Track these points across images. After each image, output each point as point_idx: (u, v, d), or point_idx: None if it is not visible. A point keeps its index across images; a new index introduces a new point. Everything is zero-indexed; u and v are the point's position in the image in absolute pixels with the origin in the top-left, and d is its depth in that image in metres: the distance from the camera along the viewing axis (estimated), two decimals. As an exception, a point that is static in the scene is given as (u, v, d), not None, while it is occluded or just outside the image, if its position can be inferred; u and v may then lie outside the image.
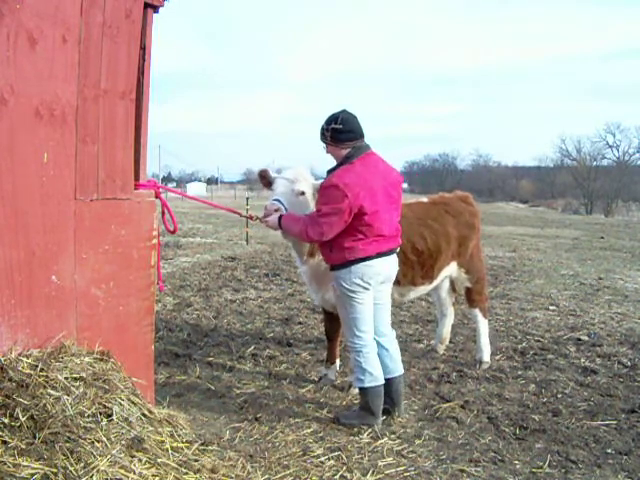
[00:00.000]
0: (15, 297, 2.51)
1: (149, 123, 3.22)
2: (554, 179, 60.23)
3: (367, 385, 3.59)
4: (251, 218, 4.03)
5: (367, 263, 3.51)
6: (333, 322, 4.42)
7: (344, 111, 3.59)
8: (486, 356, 4.82)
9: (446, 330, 5.16)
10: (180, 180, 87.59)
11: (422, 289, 4.62)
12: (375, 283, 3.58)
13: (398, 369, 3.76)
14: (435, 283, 4.68)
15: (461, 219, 4.65)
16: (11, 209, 2.48)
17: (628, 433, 3.55)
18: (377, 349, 3.65)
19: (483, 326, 4.85)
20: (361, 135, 3.56)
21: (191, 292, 7.50)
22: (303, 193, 3.75)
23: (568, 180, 55.48)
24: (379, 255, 3.54)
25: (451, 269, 4.70)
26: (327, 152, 3.66)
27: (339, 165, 3.56)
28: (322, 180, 3.69)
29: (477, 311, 4.85)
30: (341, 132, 3.51)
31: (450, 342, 5.40)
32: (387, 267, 3.63)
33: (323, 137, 3.60)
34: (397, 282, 4.29)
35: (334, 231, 3.43)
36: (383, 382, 3.61)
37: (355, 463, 3.11)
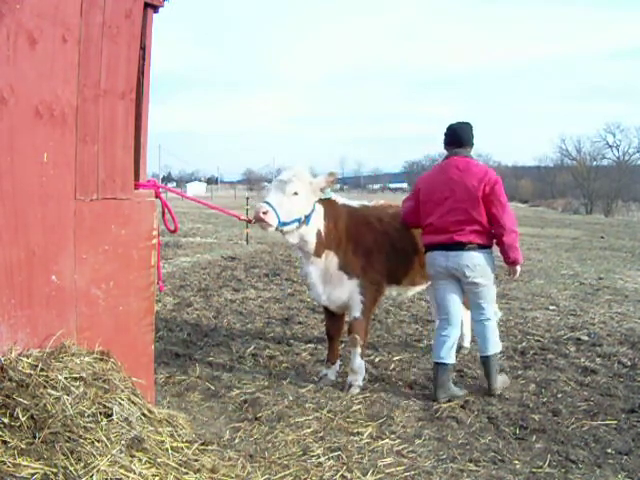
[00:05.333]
0: (15, 297, 2.51)
1: (149, 123, 3.22)
2: (554, 179, 60.13)
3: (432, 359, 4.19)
4: (250, 222, 4.08)
5: (426, 254, 4.17)
6: (334, 322, 4.44)
7: (458, 122, 4.21)
8: (466, 342, 5.13)
9: None
10: (180, 180, 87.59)
11: (419, 288, 4.80)
12: (436, 273, 4.09)
13: (483, 350, 4.10)
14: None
15: None
16: (11, 209, 2.48)
17: (628, 433, 3.55)
18: (473, 327, 4.27)
19: (465, 316, 4.93)
20: (458, 144, 4.11)
21: (191, 292, 7.50)
22: (296, 193, 3.83)
23: (568, 180, 55.36)
24: (432, 247, 4.05)
25: None
26: None
27: None
28: (320, 177, 4.01)
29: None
30: (445, 137, 4.20)
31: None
32: (442, 260, 4.00)
33: None
34: (398, 282, 4.39)
35: (407, 214, 4.29)
36: (438, 361, 4.02)
37: (355, 463, 3.11)
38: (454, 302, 4.12)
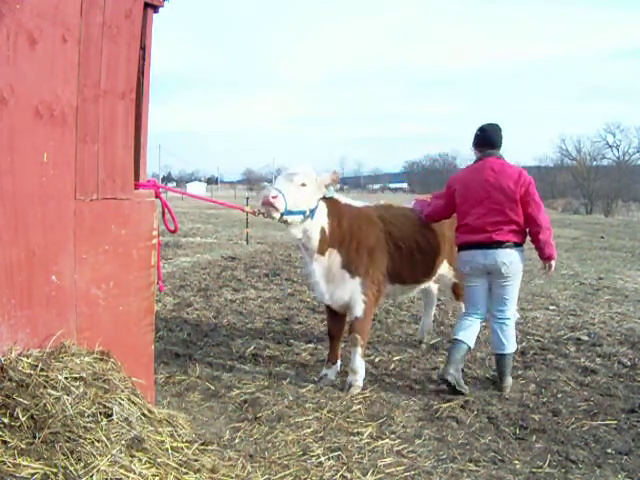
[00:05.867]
0: (15, 297, 2.51)
1: (149, 123, 3.23)
2: (554, 179, 60.01)
3: (452, 336, 4.41)
4: (253, 213, 4.12)
5: (461, 253, 4.31)
6: (336, 321, 4.45)
7: (490, 124, 4.31)
8: None
9: (429, 320, 5.49)
10: (180, 180, 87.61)
11: (422, 287, 4.92)
12: (472, 271, 4.22)
13: (500, 347, 4.21)
14: (431, 281, 4.95)
15: (453, 221, 4.83)
16: (11, 209, 2.48)
17: (628, 433, 3.55)
18: (492, 325, 4.31)
19: None
20: (492, 145, 4.23)
21: (191, 292, 7.49)
22: (304, 184, 3.89)
23: (568, 180, 55.27)
24: (468, 246, 4.18)
25: (443, 267, 4.91)
26: None
27: None
28: (325, 174, 4.06)
29: (462, 304, 5.12)
30: (476, 137, 4.30)
31: (449, 342, 5.43)
32: (480, 258, 4.13)
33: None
34: (402, 281, 4.46)
35: (436, 212, 4.46)
36: (457, 337, 4.21)
37: (355, 463, 3.11)
38: (485, 298, 4.32)
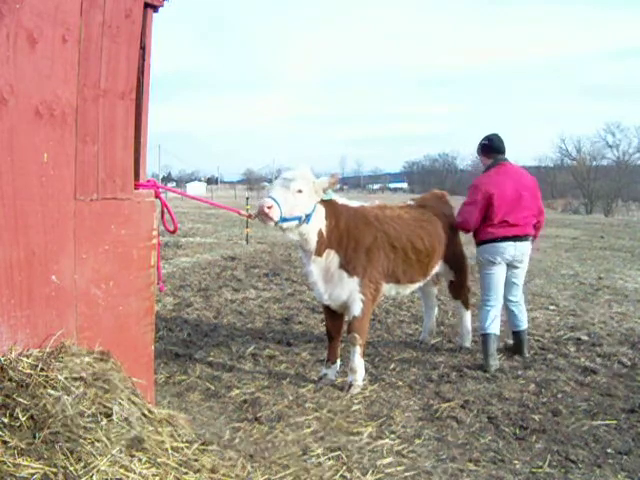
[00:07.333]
0: (15, 297, 2.51)
1: (149, 123, 3.22)
2: (554, 179, 59.99)
3: (481, 331, 4.79)
4: (250, 217, 4.12)
5: (491, 245, 4.71)
6: (335, 321, 4.46)
7: (494, 133, 4.91)
8: (467, 343, 5.25)
9: (432, 322, 5.52)
10: (180, 180, 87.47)
11: (417, 286, 4.95)
12: (499, 260, 4.72)
13: (518, 325, 4.94)
14: (427, 280, 4.99)
15: (449, 220, 4.99)
16: (11, 209, 2.48)
17: (628, 433, 3.55)
18: (508, 307, 4.94)
19: (465, 316, 5.23)
20: (500, 151, 4.83)
21: (191, 292, 7.50)
22: (300, 191, 3.89)
23: (568, 180, 55.22)
24: (503, 239, 4.67)
25: (439, 266, 4.96)
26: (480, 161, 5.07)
27: (485, 172, 4.87)
28: (323, 178, 4.10)
29: (460, 303, 5.26)
30: (485, 147, 4.87)
31: (449, 342, 5.43)
32: (512, 249, 4.70)
33: (477, 149, 4.97)
34: (397, 280, 4.48)
35: (472, 218, 4.74)
36: (489, 333, 4.69)
37: (355, 463, 3.11)
38: (502, 286, 4.84)
